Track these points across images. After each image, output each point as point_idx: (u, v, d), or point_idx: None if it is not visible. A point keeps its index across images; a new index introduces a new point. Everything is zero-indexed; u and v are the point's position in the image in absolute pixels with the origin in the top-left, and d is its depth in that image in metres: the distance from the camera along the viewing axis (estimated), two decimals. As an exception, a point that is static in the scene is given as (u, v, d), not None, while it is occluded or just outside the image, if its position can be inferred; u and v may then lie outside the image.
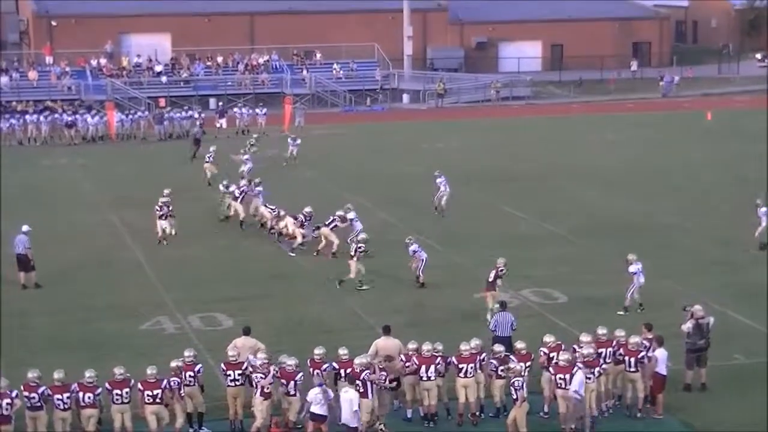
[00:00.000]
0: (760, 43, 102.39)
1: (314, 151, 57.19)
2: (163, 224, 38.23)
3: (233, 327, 28.32)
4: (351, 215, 36.76)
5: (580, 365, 22.47)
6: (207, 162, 48.93)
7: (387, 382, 22.70)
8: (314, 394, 21.61)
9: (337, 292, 32.54)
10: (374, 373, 22.34)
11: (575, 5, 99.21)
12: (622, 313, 29.80)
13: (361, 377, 22.09)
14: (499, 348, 23.57)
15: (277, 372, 22.28)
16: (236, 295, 32.38)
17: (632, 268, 30.23)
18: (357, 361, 22.34)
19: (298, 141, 54.81)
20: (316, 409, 21.56)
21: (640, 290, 30.19)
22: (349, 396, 21.58)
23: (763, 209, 36.97)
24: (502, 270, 29.80)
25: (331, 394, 21.85)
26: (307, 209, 37.27)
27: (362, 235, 34.40)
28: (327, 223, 36.34)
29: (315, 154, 56.16)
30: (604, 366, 23.03)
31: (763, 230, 36.83)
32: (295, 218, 37.35)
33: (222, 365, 22.95)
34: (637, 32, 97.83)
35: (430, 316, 30.11)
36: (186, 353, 22.86)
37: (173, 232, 38.38)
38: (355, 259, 32.74)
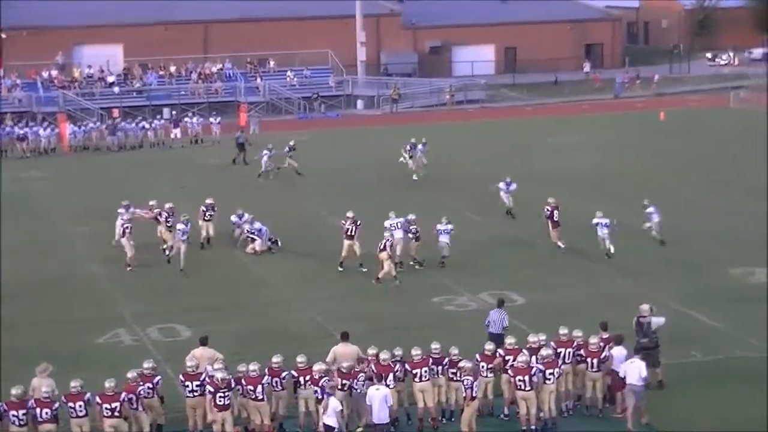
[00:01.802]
0: (710, 43, 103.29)
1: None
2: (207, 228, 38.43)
3: (192, 338, 28.12)
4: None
5: (540, 366, 22.57)
6: (288, 157, 51.69)
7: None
8: (334, 404, 21.57)
9: (295, 302, 32.49)
10: (332, 380, 22.31)
11: (528, 8, 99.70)
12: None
13: (320, 384, 22.07)
14: (489, 346, 23.65)
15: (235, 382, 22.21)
16: (195, 305, 32.21)
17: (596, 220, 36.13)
18: (315, 368, 22.38)
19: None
20: (330, 421, 21.53)
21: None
22: (381, 393, 21.86)
23: (650, 208, 37.80)
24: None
25: (339, 405, 21.78)
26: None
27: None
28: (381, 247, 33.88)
29: (245, 164, 55.89)
30: (562, 366, 23.12)
31: (655, 227, 37.64)
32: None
33: (180, 376, 22.82)
34: (589, 34, 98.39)
35: (391, 322, 30.09)
36: (145, 365, 22.73)
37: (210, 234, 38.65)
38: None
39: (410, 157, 51.21)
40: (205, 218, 38.77)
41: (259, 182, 51.18)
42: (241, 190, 47.91)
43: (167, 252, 37.21)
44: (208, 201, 39.15)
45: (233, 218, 38.82)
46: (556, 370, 22.78)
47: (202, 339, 24.36)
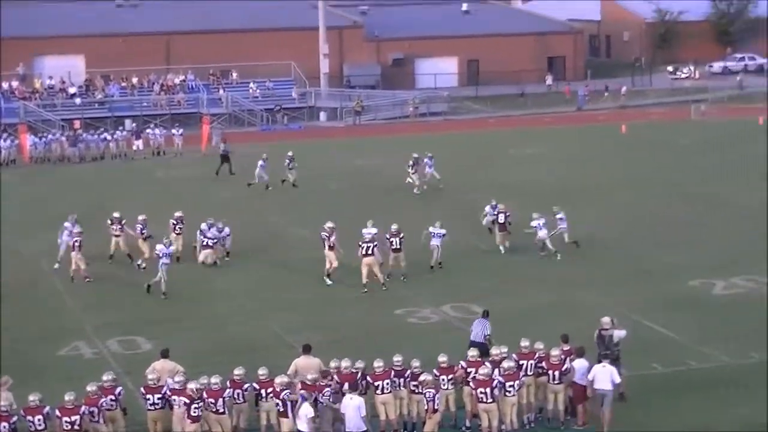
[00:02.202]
0: (671, 56, 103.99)
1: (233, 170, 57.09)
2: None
3: (153, 350, 27.99)
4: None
5: (500, 378, 22.59)
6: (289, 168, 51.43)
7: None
8: (306, 410, 21.52)
9: (256, 313, 32.39)
10: (294, 392, 22.23)
11: (490, 21, 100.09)
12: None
13: (281, 396, 21.99)
14: (473, 352, 23.79)
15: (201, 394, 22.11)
16: (155, 317, 32.05)
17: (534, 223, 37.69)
18: (278, 380, 22.29)
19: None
20: (303, 426, 21.48)
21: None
22: (355, 403, 21.82)
23: (560, 214, 38.65)
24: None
25: (312, 412, 21.71)
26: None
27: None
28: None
29: (231, 174, 55.90)
30: (523, 378, 23.13)
31: (564, 232, 38.59)
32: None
33: (141, 389, 22.67)
34: (551, 47, 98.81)
35: (353, 334, 30.02)
36: (105, 377, 22.59)
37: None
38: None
39: (414, 173, 50.43)
40: (176, 231, 38.39)
41: (222, 194, 50.98)
42: (205, 201, 47.71)
43: (141, 264, 37.02)
44: (178, 214, 38.79)
45: (203, 226, 38.41)
46: (517, 382, 22.79)
47: (164, 351, 24.23)
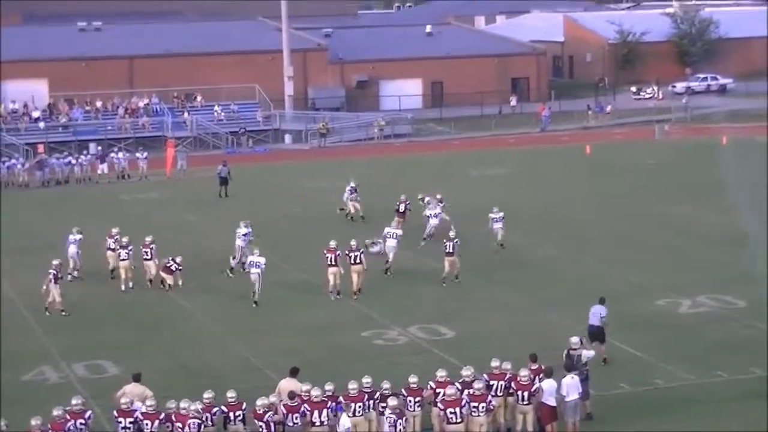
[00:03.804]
0: (634, 77, 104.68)
1: (197, 193, 56.90)
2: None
3: (119, 374, 27.86)
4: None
5: (467, 398, 22.62)
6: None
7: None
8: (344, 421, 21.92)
9: (223, 336, 32.28)
10: (276, 413, 22.24)
11: (454, 42, 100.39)
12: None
13: (264, 419, 22.01)
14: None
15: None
16: (122, 341, 31.89)
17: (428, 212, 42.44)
18: (259, 402, 22.33)
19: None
20: None
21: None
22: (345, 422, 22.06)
23: (499, 215, 42.02)
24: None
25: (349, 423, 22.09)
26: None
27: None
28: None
29: (197, 197, 55.76)
30: (493, 403, 23.11)
31: (499, 233, 41.93)
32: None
33: (114, 412, 22.51)
34: (515, 68, 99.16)
35: (320, 357, 29.96)
36: (73, 401, 22.40)
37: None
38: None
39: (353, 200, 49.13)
40: (146, 257, 38.13)
41: (184, 216, 50.71)
42: (169, 225, 47.51)
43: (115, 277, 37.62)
44: (148, 239, 38.52)
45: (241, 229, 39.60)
46: (482, 404, 22.79)
47: (135, 375, 24.28)
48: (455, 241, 37.60)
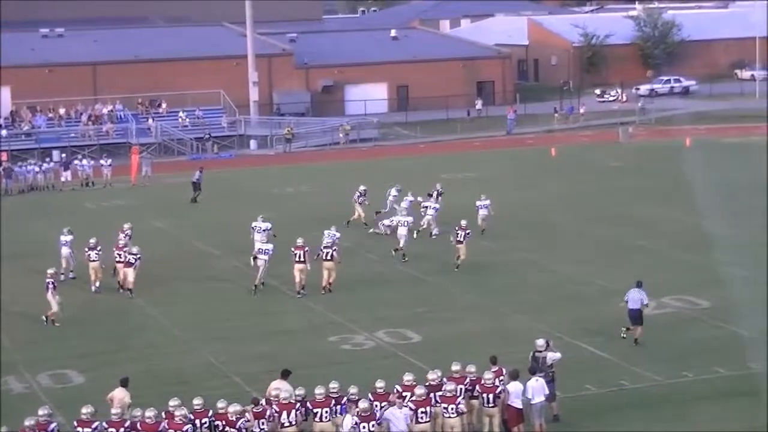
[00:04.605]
0: (599, 79, 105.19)
1: (162, 200, 56.65)
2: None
3: (85, 383, 27.68)
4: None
5: (437, 399, 22.68)
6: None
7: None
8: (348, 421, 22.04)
9: (191, 342, 32.15)
10: (249, 420, 22.19)
11: (419, 46, 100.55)
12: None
13: (237, 425, 21.97)
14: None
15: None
16: (87, 349, 31.68)
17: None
18: (231, 409, 22.23)
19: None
20: None
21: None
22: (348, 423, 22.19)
23: (486, 201, 45.57)
24: None
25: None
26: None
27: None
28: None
29: (163, 204, 55.53)
30: (462, 405, 23.13)
31: (483, 218, 45.05)
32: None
33: (75, 422, 22.31)
34: (480, 72, 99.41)
35: (288, 362, 29.80)
36: (40, 412, 22.12)
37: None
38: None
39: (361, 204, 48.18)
40: (118, 261, 37.96)
41: (152, 223, 50.49)
42: (136, 232, 47.22)
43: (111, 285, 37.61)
44: (121, 243, 38.49)
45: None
46: (451, 406, 22.82)
47: (123, 380, 24.46)
48: (467, 231, 39.53)
